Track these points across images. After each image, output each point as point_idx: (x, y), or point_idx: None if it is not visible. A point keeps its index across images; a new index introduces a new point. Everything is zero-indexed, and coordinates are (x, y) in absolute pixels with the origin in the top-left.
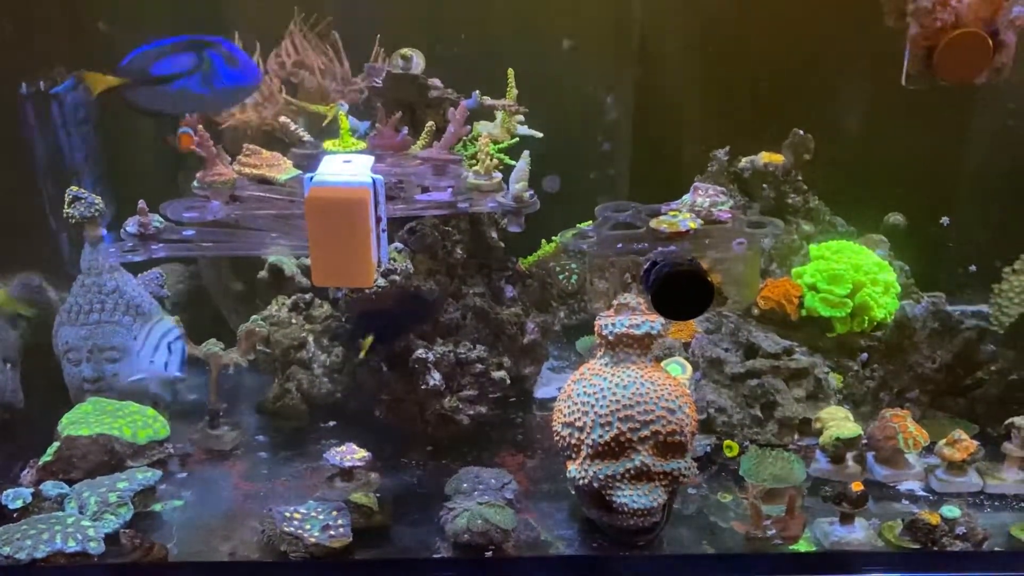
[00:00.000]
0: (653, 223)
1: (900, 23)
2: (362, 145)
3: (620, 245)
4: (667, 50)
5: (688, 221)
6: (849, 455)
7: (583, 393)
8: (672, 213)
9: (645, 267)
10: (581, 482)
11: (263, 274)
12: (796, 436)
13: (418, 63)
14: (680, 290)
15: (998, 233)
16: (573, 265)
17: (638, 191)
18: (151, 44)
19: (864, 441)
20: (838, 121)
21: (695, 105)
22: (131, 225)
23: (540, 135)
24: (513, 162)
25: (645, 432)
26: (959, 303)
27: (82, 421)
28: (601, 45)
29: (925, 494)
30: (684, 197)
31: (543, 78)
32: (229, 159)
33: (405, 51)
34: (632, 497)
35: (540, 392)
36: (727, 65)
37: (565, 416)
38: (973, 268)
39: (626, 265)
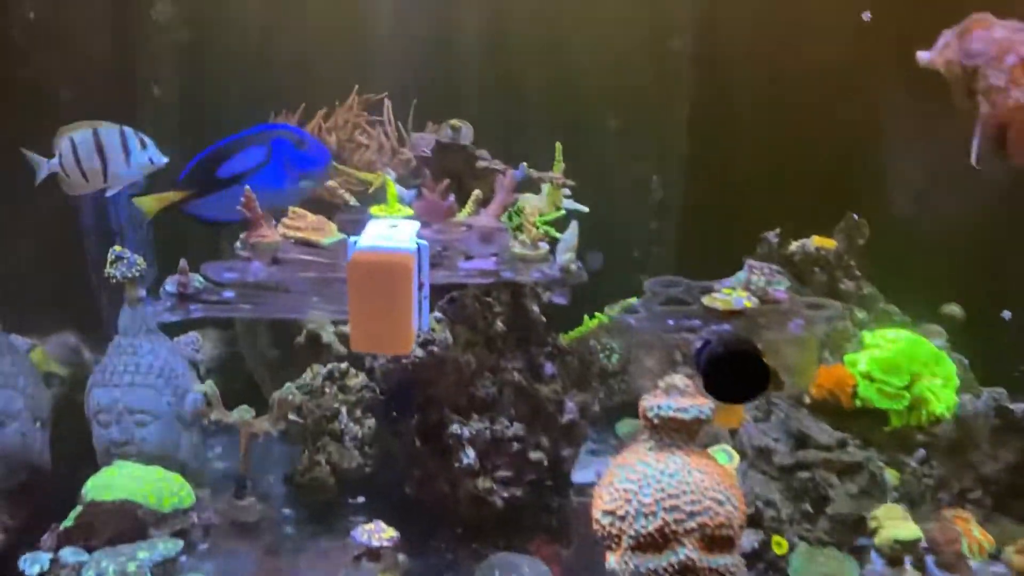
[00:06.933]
0: (706, 300)
1: (970, 102)
2: (409, 211)
3: (671, 321)
4: (716, 130)
5: (743, 299)
6: (907, 559)
7: (626, 479)
8: (726, 291)
9: (697, 346)
10: None
11: (300, 340)
12: (850, 535)
13: (467, 134)
14: (734, 372)
15: None
16: (614, 343)
17: (684, 271)
18: (211, 147)
19: (924, 544)
20: (893, 206)
21: (744, 186)
22: (170, 284)
23: (586, 209)
24: (559, 235)
25: (691, 524)
26: (1021, 401)
27: (107, 486)
28: (648, 123)
29: None
30: (738, 274)
31: (588, 154)
32: (274, 221)
33: (455, 121)
34: None
35: (578, 476)
36: (778, 145)
37: (606, 504)
38: None
39: (676, 343)
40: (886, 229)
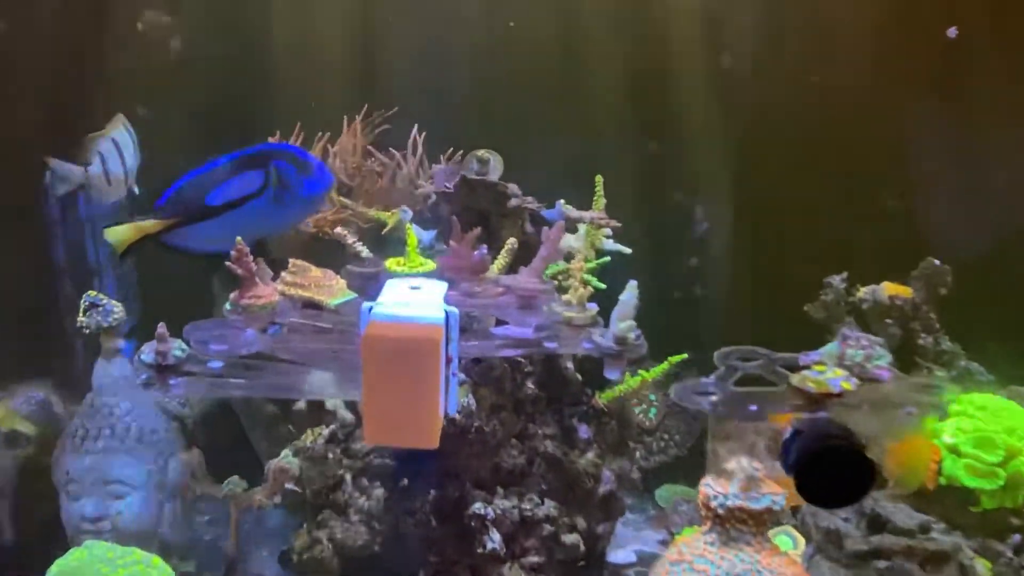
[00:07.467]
0: (795, 380)
1: None
2: (431, 265)
3: (754, 407)
4: (769, 157)
5: (841, 380)
6: None
7: None
8: (818, 368)
9: (786, 437)
10: None
11: (300, 406)
12: None
13: (496, 167)
14: (833, 470)
15: None
16: (652, 396)
17: (731, 317)
18: (199, 169)
19: None
20: (973, 247)
21: (803, 220)
22: (147, 353)
23: (629, 251)
24: (602, 285)
25: None
26: None
27: (74, 571)
28: (692, 147)
29: None
30: (828, 347)
31: (623, 181)
32: (271, 275)
33: (482, 153)
34: None
35: (614, 555)
36: (841, 176)
37: None
38: None
39: (759, 431)
40: (965, 273)
